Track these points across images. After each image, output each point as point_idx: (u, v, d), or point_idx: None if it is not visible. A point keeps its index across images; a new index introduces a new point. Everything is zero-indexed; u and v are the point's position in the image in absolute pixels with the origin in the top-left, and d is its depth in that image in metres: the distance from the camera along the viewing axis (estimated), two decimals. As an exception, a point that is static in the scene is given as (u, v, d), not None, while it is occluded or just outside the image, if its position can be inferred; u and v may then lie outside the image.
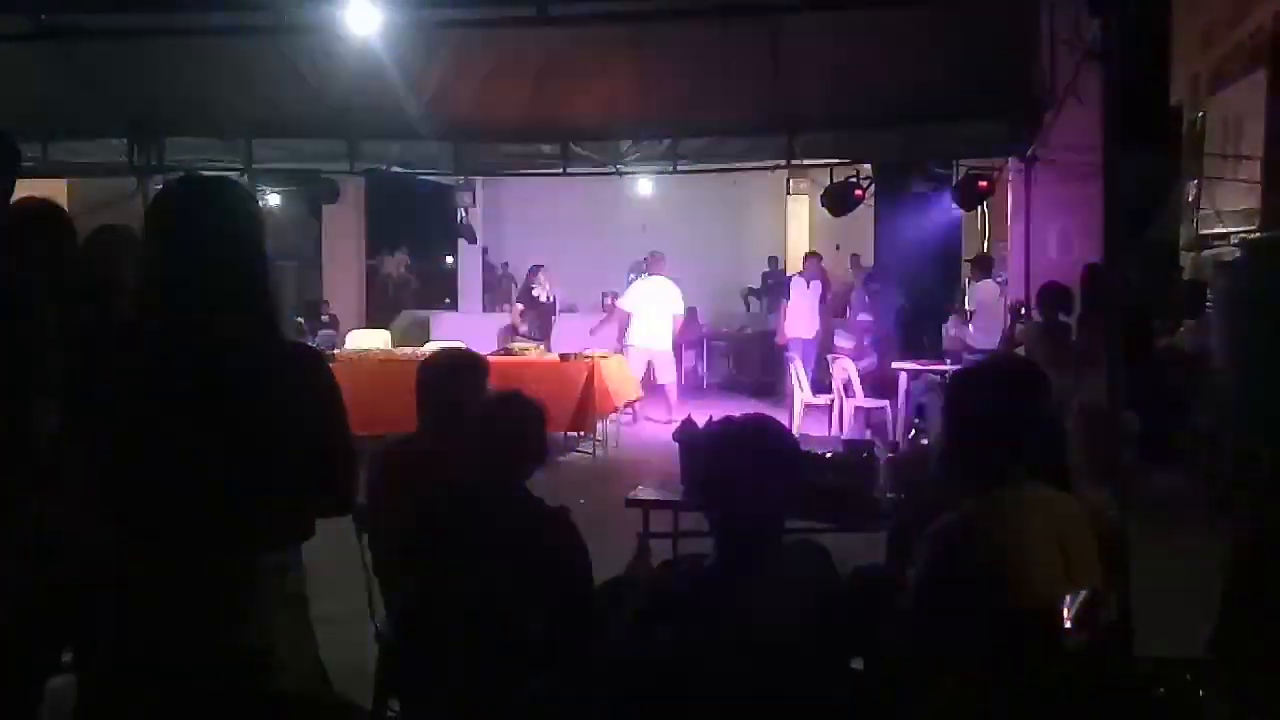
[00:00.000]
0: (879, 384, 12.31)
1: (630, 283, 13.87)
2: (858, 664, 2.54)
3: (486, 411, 3.31)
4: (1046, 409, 2.95)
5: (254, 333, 2.34)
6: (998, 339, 11.82)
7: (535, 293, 12.82)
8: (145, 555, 2.27)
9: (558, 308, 13.26)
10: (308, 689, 2.20)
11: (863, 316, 14.45)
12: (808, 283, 13.75)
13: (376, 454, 3.96)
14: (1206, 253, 11.74)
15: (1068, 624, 2.00)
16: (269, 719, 2.05)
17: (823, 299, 14.04)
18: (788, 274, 15.34)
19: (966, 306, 12.75)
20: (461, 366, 3.93)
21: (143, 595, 2.26)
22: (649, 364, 12.74)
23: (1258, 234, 10.19)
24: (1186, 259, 12.73)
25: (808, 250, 14.72)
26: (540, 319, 12.79)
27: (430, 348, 10.49)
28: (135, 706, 2.22)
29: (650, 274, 13.10)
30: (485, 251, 18.50)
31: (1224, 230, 11.04)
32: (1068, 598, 2.03)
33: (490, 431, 3.25)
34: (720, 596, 2.44)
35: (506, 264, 18.83)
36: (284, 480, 2.32)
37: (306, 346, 2.54)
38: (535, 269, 13.09)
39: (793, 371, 11.90)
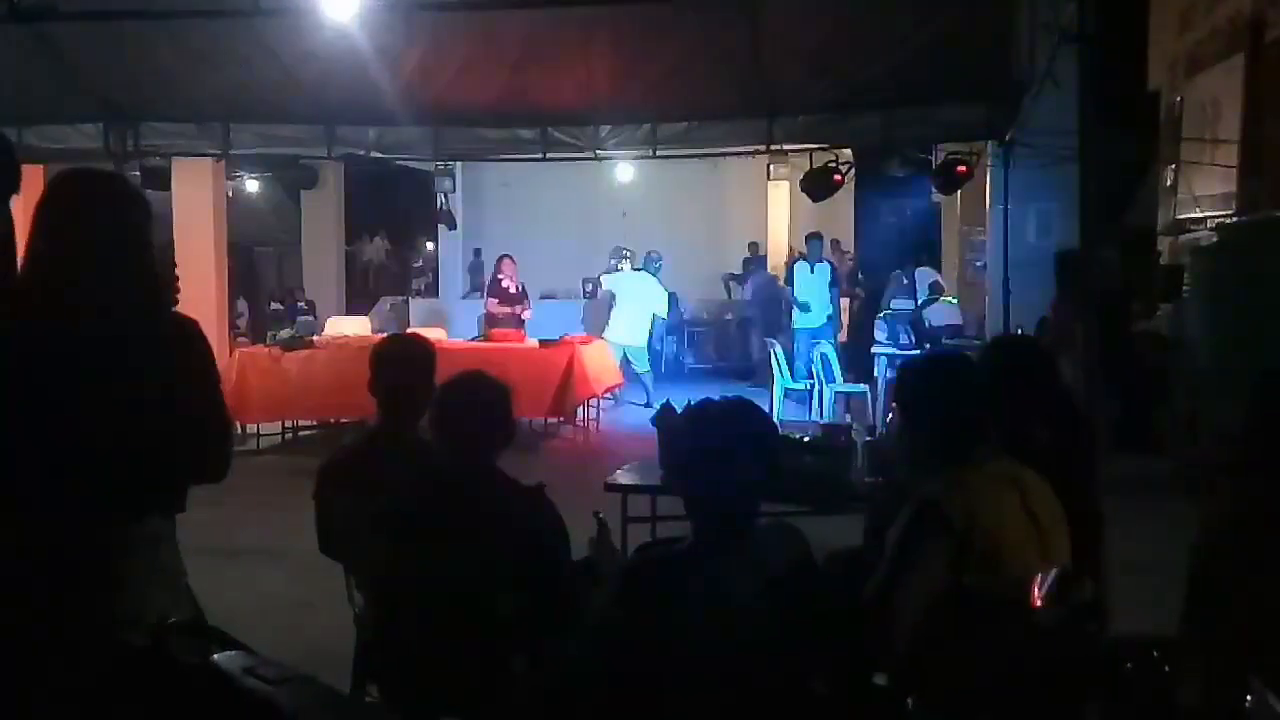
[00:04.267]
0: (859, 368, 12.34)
1: (611, 268, 13.87)
2: (880, 679, 2.53)
3: (451, 392, 3.29)
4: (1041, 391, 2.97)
5: (127, 309, 2.44)
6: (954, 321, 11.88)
7: (504, 284, 12.85)
8: (16, 524, 2.33)
9: (527, 296, 13.22)
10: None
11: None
12: (811, 267, 12.92)
13: (340, 449, 3.97)
14: (1184, 237, 11.81)
15: (1039, 601, 2.02)
16: (138, 685, 2.08)
17: (834, 283, 13.12)
18: (792, 258, 14.84)
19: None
20: (414, 351, 3.93)
21: (12, 563, 2.31)
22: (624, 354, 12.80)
23: (1234, 218, 10.25)
24: (1164, 243, 12.80)
25: (810, 232, 14.06)
26: (511, 310, 12.82)
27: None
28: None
29: (634, 267, 13.11)
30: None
31: (1201, 215, 11.11)
32: (1039, 575, 2.05)
33: (457, 412, 3.24)
34: (695, 578, 2.45)
35: (479, 250, 18.72)
36: (154, 451, 2.40)
37: (186, 321, 2.56)
38: (501, 259, 13.10)
39: (773, 356, 11.91)
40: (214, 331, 12.19)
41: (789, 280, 13.28)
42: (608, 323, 12.90)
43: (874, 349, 11.83)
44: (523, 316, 12.64)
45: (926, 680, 2.14)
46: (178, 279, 2.68)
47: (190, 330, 2.51)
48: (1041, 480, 2.76)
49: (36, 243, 2.45)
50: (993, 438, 2.74)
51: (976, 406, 2.74)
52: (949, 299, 12.82)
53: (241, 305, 18.07)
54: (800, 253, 13.88)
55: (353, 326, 12.73)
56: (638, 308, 12.92)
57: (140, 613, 2.34)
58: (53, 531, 2.34)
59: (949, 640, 2.05)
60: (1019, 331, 9.27)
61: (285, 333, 11.78)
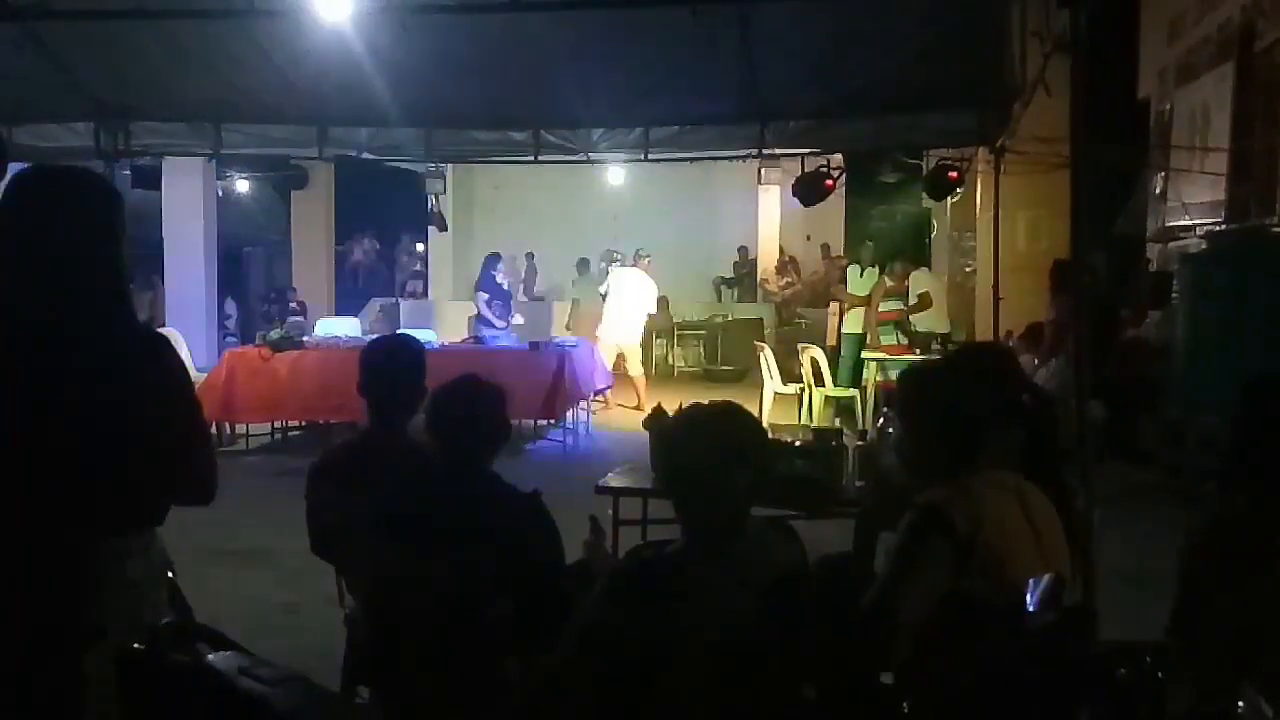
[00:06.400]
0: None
1: (603, 271, 13.86)
2: (887, 678, 2.53)
3: (446, 396, 3.29)
4: (1009, 395, 2.98)
5: (94, 319, 2.37)
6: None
7: (498, 280, 12.83)
8: None
9: (520, 294, 13.22)
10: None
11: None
12: (862, 271, 12.34)
13: (330, 450, 3.97)
14: (1173, 244, 11.86)
15: (1032, 606, 2.03)
16: (133, 686, 2.07)
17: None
18: (844, 261, 14.47)
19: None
20: (404, 352, 3.93)
21: None
22: (619, 355, 12.79)
23: (1223, 226, 10.31)
24: (1153, 250, 12.85)
25: (868, 238, 13.51)
26: (503, 306, 12.80)
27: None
28: None
29: (630, 265, 13.10)
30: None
31: (1190, 222, 11.16)
32: (1031, 581, 2.06)
33: (452, 416, 3.24)
34: (685, 580, 2.45)
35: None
36: (121, 466, 2.33)
37: (154, 334, 2.51)
38: (494, 257, 13.10)
39: (762, 360, 11.92)
40: (203, 331, 12.17)
41: (843, 281, 12.81)
42: (601, 321, 12.89)
43: (863, 353, 11.84)
44: (509, 320, 12.63)
45: (923, 685, 2.15)
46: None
47: (158, 347, 2.45)
48: (1040, 492, 2.77)
49: None
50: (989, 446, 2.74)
51: (980, 414, 2.73)
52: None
53: (230, 305, 18.04)
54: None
55: (343, 327, 12.69)
56: (634, 307, 12.93)
57: (103, 628, 2.28)
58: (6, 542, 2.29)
59: (945, 644, 2.06)
60: (1008, 334, 9.31)
61: (275, 333, 11.73)
